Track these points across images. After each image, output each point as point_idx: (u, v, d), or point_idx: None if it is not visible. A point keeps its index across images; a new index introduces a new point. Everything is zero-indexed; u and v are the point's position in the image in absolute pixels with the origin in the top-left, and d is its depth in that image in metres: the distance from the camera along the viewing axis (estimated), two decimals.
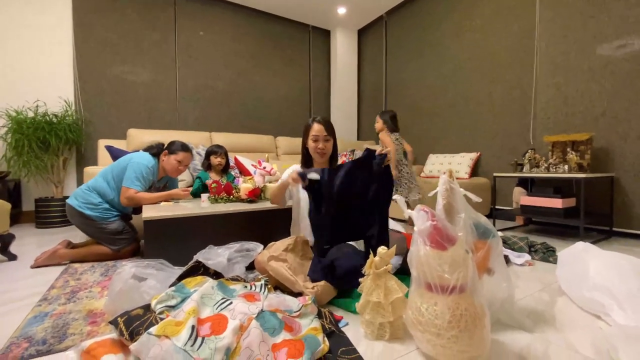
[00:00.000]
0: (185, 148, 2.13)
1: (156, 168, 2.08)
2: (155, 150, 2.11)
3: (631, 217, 2.39)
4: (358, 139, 5.26)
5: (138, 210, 2.13)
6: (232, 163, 2.98)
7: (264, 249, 1.44)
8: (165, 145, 2.14)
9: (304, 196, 1.55)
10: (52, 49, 3.29)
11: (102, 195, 1.96)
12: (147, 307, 1.01)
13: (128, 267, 1.17)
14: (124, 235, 1.97)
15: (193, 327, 0.86)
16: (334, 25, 4.99)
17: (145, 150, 2.11)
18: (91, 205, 1.92)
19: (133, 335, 0.86)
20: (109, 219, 1.95)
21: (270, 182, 2.22)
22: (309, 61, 5.02)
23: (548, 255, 1.89)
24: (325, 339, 0.96)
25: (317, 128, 1.57)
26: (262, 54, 4.58)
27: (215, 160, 2.54)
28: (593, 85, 2.55)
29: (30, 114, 3.04)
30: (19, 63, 3.15)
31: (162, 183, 2.23)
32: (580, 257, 1.36)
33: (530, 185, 2.85)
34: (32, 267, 1.79)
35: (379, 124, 2.98)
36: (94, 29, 3.49)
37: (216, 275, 1.27)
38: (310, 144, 1.58)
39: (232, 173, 2.74)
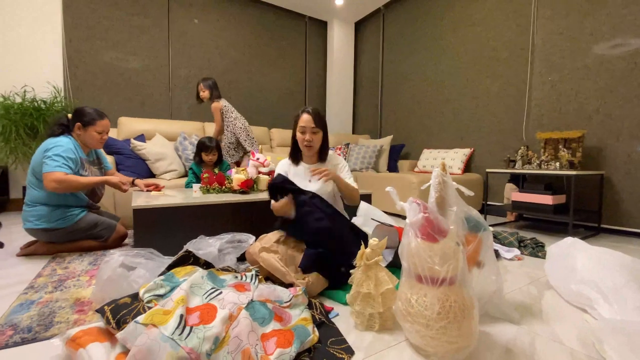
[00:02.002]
0: (101, 115, 1.87)
1: (77, 144, 1.83)
2: (61, 130, 1.83)
3: (620, 215, 2.43)
4: (353, 132, 5.24)
5: (96, 199, 1.98)
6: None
7: (255, 240, 1.43)
8: (73, 118, 1.84)
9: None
10: (40, 33, 3.18)
11: (47, 203, 1.74)
12: (134, 296, 1.00)
13: (117, 256, 1.15)
14: (100, 226, 1.87)
15: (181, 316, 0.85)
16: (330, 16, 4.92)
17: (50, 136, 1.81)
18: (45, 218, 1.72)
19: (120, 324, 0.85)
20: (75, 219, 1.79)
21: (263, 173, 2.20)
22: (305, 52, 4.96)
23: (537, 250, 1.91)
24: (315, 329, 0.97)
25: (305, 119, 1.49)
26: (258, 44, 4.51)
27: (207, 157, 2.49)
28: (587, 83, 2.56)
29: (18, 100, 2.95)
30: (6, 48, 3.05)
31: (92, 157, 1.99)
32: (568, 251, 1.38)
33: (522, 182, 2.87)
34: (18, 255, 1.76)
35: (205, 92, 2.80)
36: (84, 13, 3.39)
37: (206, 265, 1.26)
38: (298, 135, 1.52)
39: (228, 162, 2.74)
